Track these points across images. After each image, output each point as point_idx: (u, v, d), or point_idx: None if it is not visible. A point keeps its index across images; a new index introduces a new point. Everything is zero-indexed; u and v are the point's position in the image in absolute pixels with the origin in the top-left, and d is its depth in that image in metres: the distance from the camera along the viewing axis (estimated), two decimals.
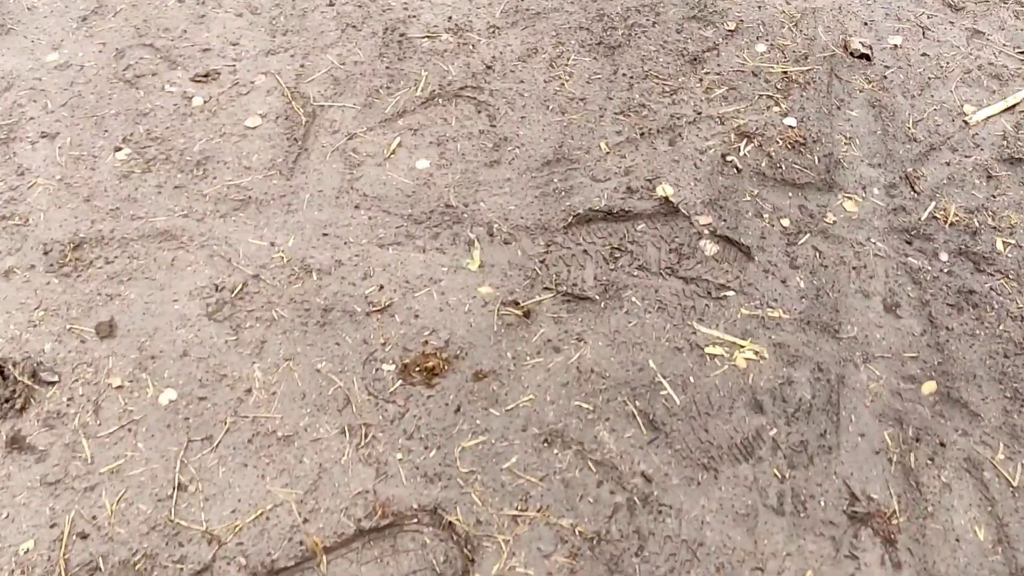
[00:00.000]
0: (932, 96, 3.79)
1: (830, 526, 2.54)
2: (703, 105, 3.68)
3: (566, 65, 3.83)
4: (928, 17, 4.17)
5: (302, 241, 3.14)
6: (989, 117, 3.71)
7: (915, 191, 3.40)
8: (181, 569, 2.40)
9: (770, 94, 3.74)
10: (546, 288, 3.04)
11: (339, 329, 2.91)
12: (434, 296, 3.00)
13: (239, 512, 2.51)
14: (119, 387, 2.75)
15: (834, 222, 3.28)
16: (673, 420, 2.74)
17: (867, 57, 3.93)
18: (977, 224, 3.30)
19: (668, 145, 3.51)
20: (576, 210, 3.26)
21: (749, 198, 3.33)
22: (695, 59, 3.89)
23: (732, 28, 4.04)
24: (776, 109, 3.67)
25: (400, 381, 2.80)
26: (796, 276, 3.11)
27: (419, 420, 2.71)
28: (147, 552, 2.42)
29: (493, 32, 3.97)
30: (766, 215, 3.28)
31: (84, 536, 2.45)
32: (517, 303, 2.99)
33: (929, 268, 3.16)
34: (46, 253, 3.09)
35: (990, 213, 3.34)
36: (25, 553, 2.41)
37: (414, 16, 4.02)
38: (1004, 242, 3.25)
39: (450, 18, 4.02)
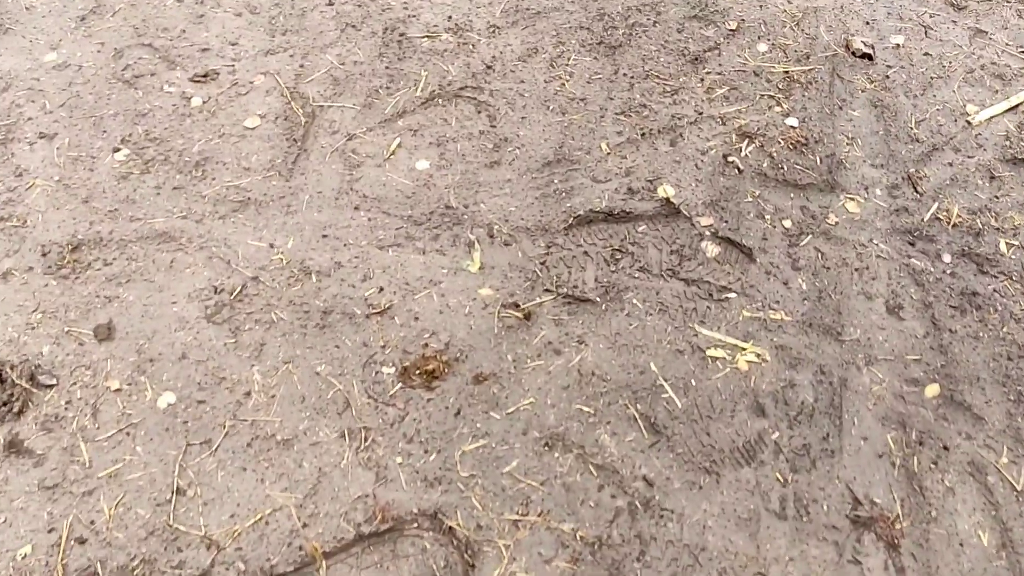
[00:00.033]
0: (935, 96, 3.77)
1: (833, 531, 2.52)
2: (704, 105, 3.66)
3: (567, 65, 3.81)
4: (930, 16, 4.15)
5: (301, 243, 3.13)
6: (992, 117, 3.69)
7: (918, 192, 3.38)
8: (180, 574, 2.39)
9: (772, 94, 3.72)
10: (547, 290, 3.02)
11: (339, 331, 2.89)
12: (434, 298, 2.99)
13: (238, 517, 2.49)
14: (117, 390, 2.74)
15: (836, 223, 3.26)
16: (675, 423, 2.72)
17: (869, 57, 3.91)
18: (980, 225, 3.29)
19: (669, 146, 3.49)
20: (577, 211, 3.25)
21: (751, 199, 3.32)
22: (696, 59, 3.87)
23: (733, 27, 4.02)
24: (778, 109, 3.65)
25: (400, 384, 2.78)
26: (798, 278, 3.09)
27: (419, 423, 2.70)
28: (145, 557, 2.41)
29: (493, 32, 3.95)
30: (768, 216, 3.26)
31: (82, 541, 2.43)
32: (517, 305, 2.98)
33: (932, 270, 3.14)
34: (44, 255, 3.07)
35: (993, 214, 3.33)
36: (23, 558, 2.40)
37: (414, 16, 4.00)
38: (1007, 243, 3.23)
39: (450, 17, 4.00)
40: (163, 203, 3.24)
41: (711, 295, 3.03)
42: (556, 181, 3.34)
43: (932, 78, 3.85)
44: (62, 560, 2.40)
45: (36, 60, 3.76)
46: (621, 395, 2.78)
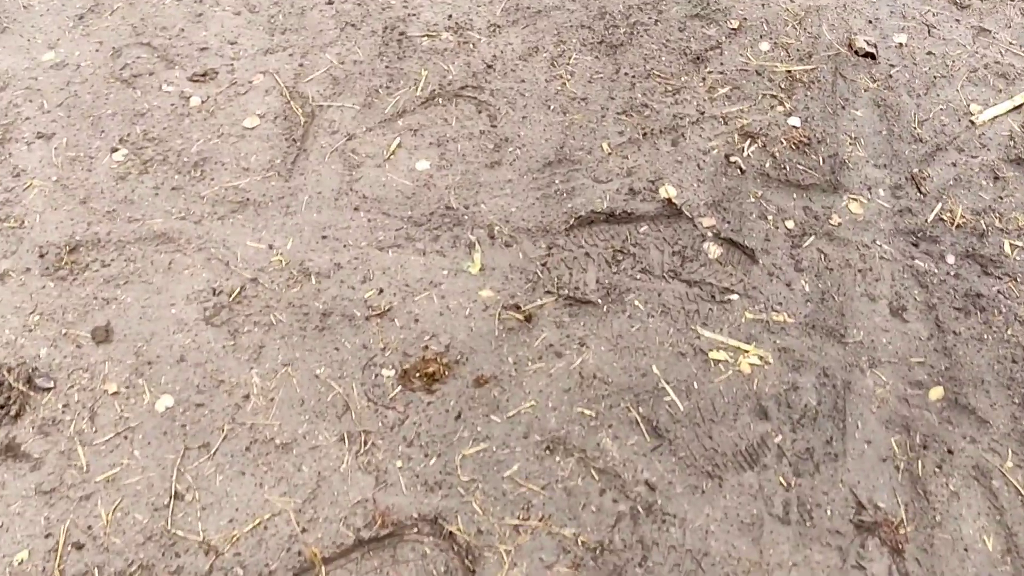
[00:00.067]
0: (938, 95, 3.75)
1: (837, 535, 2.50)
2: (706, 105, 3.63)
3: (567, 64, 3.79)
4: (934, 15, 4.12)
5: (301, 244, 3.10)
6: (996, 117, 3.66)
7: (921, 192, 3.36)
8: None
9: (774, 93, 3.70)
10: (548, 292, 3.00)
11: (338, 334, 2.87)
12: (434, 300, 2.97)
13: (236, 522, 2.47)
14: (115, 393, 2.72)
15: (839, 224, 3.24)
16: (677, 427, 2.70)
17: (872, 56, 3.88)
18: (984, 226, 3.26)
19: (671, 145, 3.47)
20: (578, 212, 3.22)
21: (753, 199, 3.29)
22: (698, 58, 3.85)
23: (735, 26, 4.00)
24: (780, 109, 3.63)
25: (400, 387, 2.76)
26: (801, 279, 3.07)
27: (419, 427, 2.68)
28: (143, 563, 2.39)
29: (494, 31, 3.92)
30: (770, 217, 3.24)
31: (79, 546, 2.41)
32: (518, 307, 2.96)
33: (936, 271, 3.12)
34: (42, 256, 3.05)
35: (997, 215, 3.30)
36: (20, 564, 2.38)
37: (414, 14, 3.98)
38: (1012, 244, 3.21)
39: (450, 16, 3.98)
40: (161, 204, 3.21)
41: (713, 297, 3.01)
42: (557, 181, 3.32)
43: (935, 77, 3.82)
44: (59, 566, 2.38)
45: (34, 59, 3.73)
46: (623, 398, 2.76)
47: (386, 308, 2.94)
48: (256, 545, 2.43)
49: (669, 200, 3.26)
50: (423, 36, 3.88)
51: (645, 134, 3.50)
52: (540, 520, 2.50)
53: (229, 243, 3.09)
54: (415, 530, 2.47)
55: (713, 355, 2.86)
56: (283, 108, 3.55)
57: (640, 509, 2.53)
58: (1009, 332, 2.97)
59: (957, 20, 4.09)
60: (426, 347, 2.85)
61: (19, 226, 3.13)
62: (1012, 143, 3.56)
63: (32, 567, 2.37)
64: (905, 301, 3.03)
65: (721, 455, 2.65)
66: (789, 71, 3.80)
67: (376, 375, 2.78)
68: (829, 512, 2.55)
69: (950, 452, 2.68)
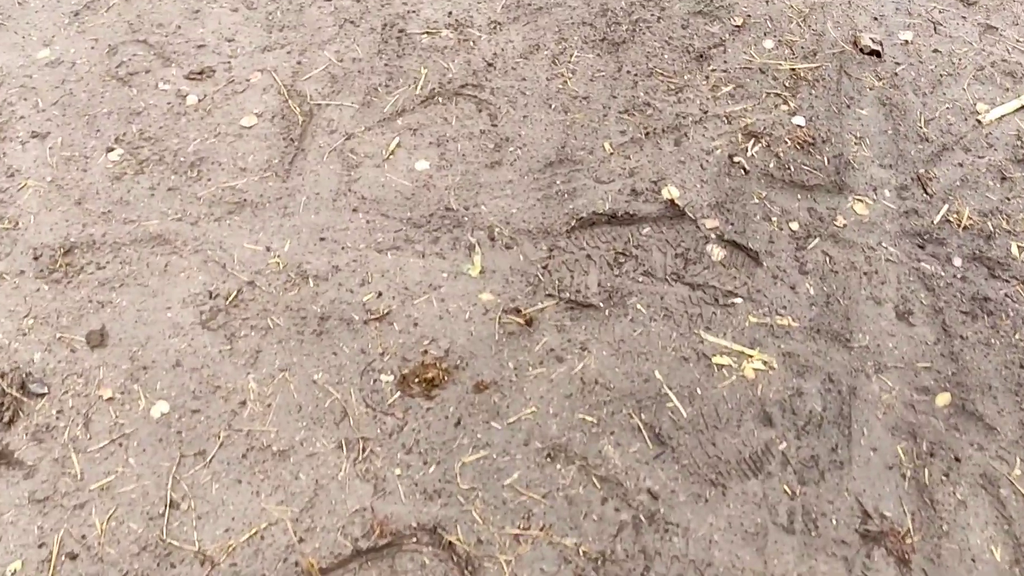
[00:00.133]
0: (944, 94, 3.70)
1: (842, 545, 2.47)
2: (709, 104, 3.59)
3: (569, 62, 3.74)
4: (940, 12, 4.07)
5: (298, 246, 3.06)
6: (1003, 116, 3.61)
7: (927, 193, 3.31)
8: None
9: (778, 92, 3.65)
10: (549, 295, 2.96)
11: (336, 338, 2.83)
12: (434, 303, 2.92)
13: (233, 531, 2.43)
14: (110, 399, 2.68)
15: (844, 225, 3.19)
16: (680, 434, 2.66)
17: (877, 53, 3.83)
18: (991, 228, 3.22)
19: (673, 145, 3.42)
20: (579, 213, 3.18)
21: (757, 200, 3.25)
22: (701, 56, 3.80)
23: (739, 23, 3.94)
24: (784, 108, 3.58)
25: (399, 392, 2.72)
26: (805, 282, 3.03)
27: (418, 434, 2.64)
28: (138, 574, 2.35)
29: (494, 28, 3.87)
30: (774, 218, 3.19)
31: (73, 556, 2.38)
32: (519, 311, 2.91)
33: (942, 274, 3.08)
34: (36, 258, 3.01)
35: (1004, 216, 3.26)
36: (13, 574, 2.34)
37: (413, 11, 3.93)
38: (1019, 247, 3.16)
39: (450, 13, 3.93)
40: (157, 205, 3.17)
41: (717, 300, 2.97)
42: (558, 182, 3.27)
43: (941, 76, 3.77)
44: None
45: (29, 56, 3.69)
46: (625, 404, 2.72)
47: (385, 312, 2.89)
48: (253, 555, 2.39)
49: (672, 201, 3.22)
50: (423, 33, 3.83)
51: (647, 133, 3.45)
52: (541, 529, 2.47)
53: (226, 245, 3.05)
54: (414, 540, 2.44)
55: (716, 360, 2.82)
56: (281, 107, 3.50)
57: (642, 518, 2.50)
58: (1017, 336, 2.93)
59: (963, 17, 4.04)
60: (425, 352, 2.81)
61: (13, 227, 3.08)
62: (1019, 143, 3.51)
63: None
64: (911, 304, 2.99)
65: (725, 463, 2.61)
66: (793, 69, 3.75)
67: (375, 380, 2.74)
68: (834, 521, 2.51)
69: (957, 460, 2.64)
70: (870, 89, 3.69)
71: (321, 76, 3.63)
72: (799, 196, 3.27)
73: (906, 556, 2.45)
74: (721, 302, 2.96)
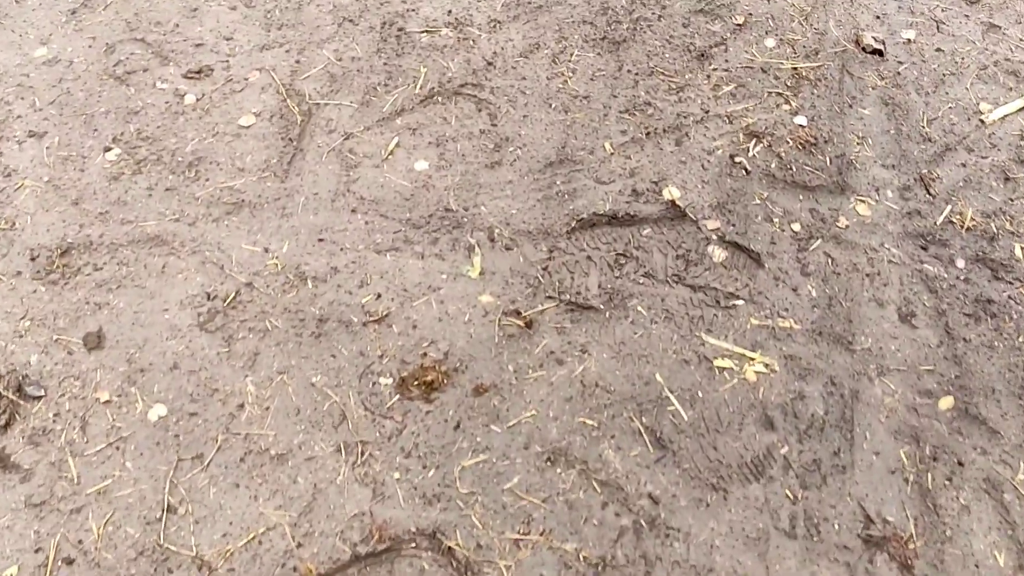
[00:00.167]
0: (947, 94, 3.67)
1: (844, 551, 2.45)
2: (710, 103, 3.56)
3: (569, 61, 3.71)
4: (942, 10, 4.04)
5: (297, 247, 3.04)
6: (1006, 116, 3.59)
7: (930, 194, 3.29)
8: None
9: (780, 91, 3.62)
10: (549, 297, 2.94)
11: (335, 340, 2.81)
12: (433, 305, 2.90)
13: (230, 536, 2.41)
14: (107, 402, 2.66)
15: (846, 227, 3.17)
16: (681, 437, 2.64)
17: (880, 52, 3.80)
18: (995, 229, 3.19)
19: (674, 145, 3.40)
20: (580, 214, 3.16)
21: (759, 201, 3.22)
22: (702, 55, 3.77)
23: (740, 22, 3.92)
24: (786, 107, 3.56)
25: (398, 396, 2.70)
26: (807, 284, 3.01)
27: (417, 437, 2.62)
28: None
29: (494, 26, 3.84)
30: (776, 219, 3.17)
31: (70, 561, 2.36)
32: (519, 313, 2.89)
33: (945, 275, 3.06)
34: (33, 259, 2.99)
35: (1008, 217, 3.23)
36: None
37: (413, 10, 3.90)
38: (1023, 248, 3.14)
39: (450, 12, 3.90)
40: (155, 205, 3.15)
41: (718, 302, 2.95)
42: (558, 182, 3.25)
43: (944, 75, 3.74)
44: None
45: (26, 55, 3.66)
46: (625, 407, 2.70)
47: (384, 314, 2.87)
48: (250, 560, 2.37)
49: (673, 202, 3.20)
50: (422, 32, 3.81)
51: (648, 133, 3.43)
52: (541, 534, 2.45)
53: (224, 246, 3.03)
54: (413, 545, 2.42)
55: (718, 363, 2.80)
56: (279, 106, 3.48)
57: (643, 523, 2.48)
58: (1020, 339, 2.91)
59: (966, 16, 4.01)
60: (424, 354, 2.79)
61: (10, 228, 3.06)
62: (1023, 143, 3.48)
63: None
64: (914, 307, 2.97)
65: (726, 467, 2.59)
66: (795, 68, 3.73)
67: (373, 383, 2.72)
68: (837, 526, 2.49)
69: (960, 464, 2.62)
70: (872, 88, 3.66)
71: (320, 75, 3.61)
72: (801, 197, 3.25)
73: (909, 562, 2.43)
74: (722, 304, 2.94)
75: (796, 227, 3.15)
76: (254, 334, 2.81)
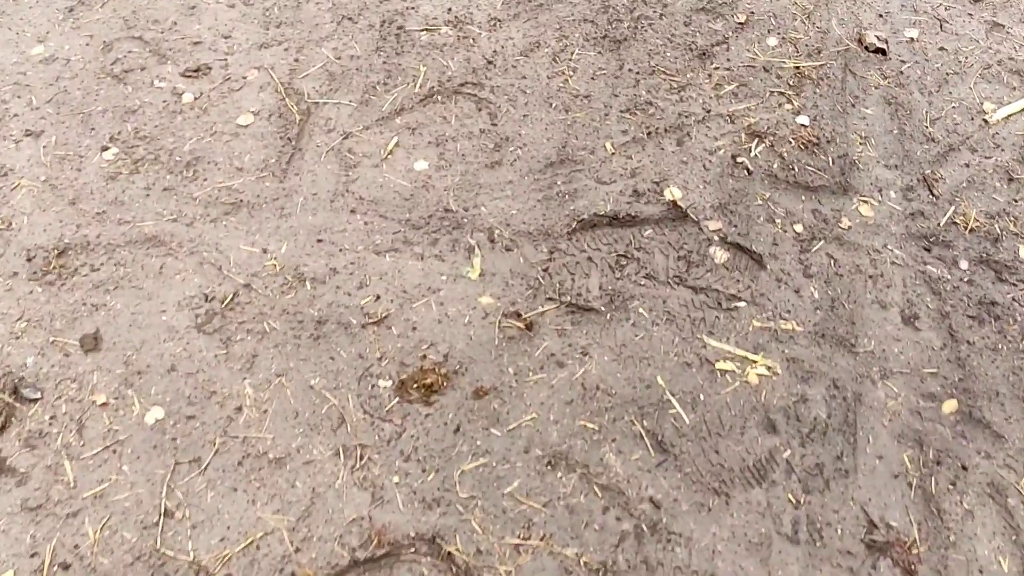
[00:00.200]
0: (950, 93, 3.65)
1: (847, 556, 2.43)
2: (712, 102, 3.54)
3: (570, 60, 3.69)
4: (946, 9, 4.01)
5: (295, 248, 3.02)
6: (1010, 116, 3.56)
7: (933, 194, 3.27)
8: None
9: (782, 90, 3.60)
10: (549, 298, 2.91)
11: (333, 343, 2.79)
12: (433, 307, 2.88)
13: (228, 541, 2.39)
14: (104, 405, 2.64)
15: (849, 227, 3.15)
16: (682, 441, 2.62)
17: (883, 51, 3.78)
18: (998, 230, 3.17)
19: (676, 145, 3.37)
20: (580, 215, 3.13)
21: (761, 202, 3.20)
22: (704, 53, 3.74)
23: (742, 20, 3.89)
24: (788, 107, 3.53)
25: (397, 398, 2.68)
26: (810, 286, 2.98)
27: (417, 441, 2.60)
28: None
29: (494, 25, 3.82)
30: (778, 220, 3.15)
31: (66, 567, 2.34)
32: (519, 314, 2.87)
33: (948, 277, 3.03)
34: (29, 260, 2.96)
35: (1012, 218, 3.21)
36: None
37: (412, 8, 3.87)
38: None
39: (450, 10, 3.87)
40: (152, 205, 3.12)
41: (720, 304, 2.92)
42: (559, 183, 3.23)
43: (948, 74, 3.72)
44: None
45: (22, 53, 3.63)
46: (627, 411, 2.68)
47: (383, 315, 2.85)
48: (248, 565, 2.35)
49: (674, 202, 3.17)
50: (422, 30, 3.78)
51: (650, 133, 3.41)
52: (541, 539, 2.43)
53: (222, 247, 3.01)
54: (412, 550, 2.40)
55: (720, 365, 2.78)
56: (278, 105, 3.45)
57: (644, 528, 2.46)
58: None
59: (970, 14, 3.99)
60: (424, 356, 2.77)
61: (6, 228, 3.04)
62: None
63: None
64: (917, 309, 2.95)
65: (728, 471, 2.57)
66: (797, 67, 3.70)
67: (372, 386, 2.70)
68: (839, 531, 2.47)
69: (964, 468, 2.60)
70: (875, 88, 3.64)
71: (319, 74, 3.58)
72: (803, 197, 3.22)
73: (912, 567, 2.41)
74: (724, 306, 2.92)
75: (798, 228, 3.13)
76: (252, 336, 2.79)
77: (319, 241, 3.03)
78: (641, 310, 2.90)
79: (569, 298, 2.92)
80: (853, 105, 3.56)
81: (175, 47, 3.67)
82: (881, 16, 3.96)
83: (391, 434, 2.60)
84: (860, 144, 3.41)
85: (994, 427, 2.69)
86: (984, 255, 3.10)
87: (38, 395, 2.65)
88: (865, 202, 3.22)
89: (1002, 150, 3.43)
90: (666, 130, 3.42)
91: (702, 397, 2.71)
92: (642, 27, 3.84)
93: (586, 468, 2.55)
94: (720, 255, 3.04)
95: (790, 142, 3.39)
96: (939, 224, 3.18)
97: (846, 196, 3.24)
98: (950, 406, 2.72)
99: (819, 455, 2.61)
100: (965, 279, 3.03)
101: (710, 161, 3.32)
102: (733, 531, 2.46)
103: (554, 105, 3.49)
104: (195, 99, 3.47)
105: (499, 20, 3.84)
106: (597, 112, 3.48)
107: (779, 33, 3.85)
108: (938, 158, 3.39)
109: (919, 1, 4.04)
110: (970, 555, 2.44)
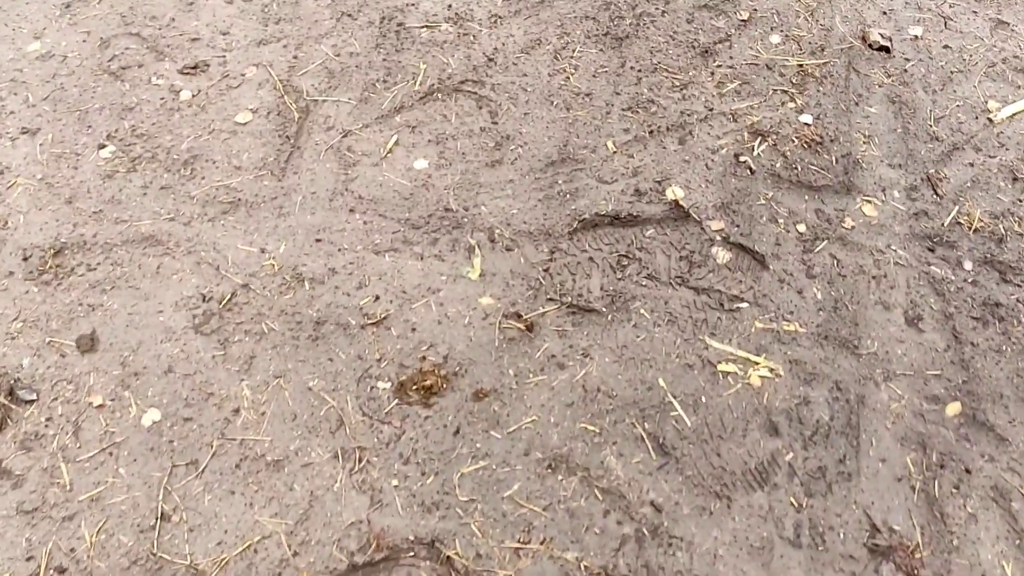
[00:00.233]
0: (955, 91, 3.62)
1: (850, 560, 2.40)
2: (715, 101, 3.51)
3: (571, 57, 3.65)
4: (950, 6, 3.98)
5: (294, 247, 2.99)
6: (1014, 114, 3.53)
7: (937, 194, 3.24)
8: None
9: (785, 89, 3.57)
10: (550, 299, 2.89)
11: (332, 344, 2.76)
12: (432, 307, 2.86)
13: (225, 544, 2.37)
14: (100, 406, 2.61)
15: (852, 228, 3.12)
16: (684, 444, 2.60)
17: (886, 49, 3.75)
18: (1003, 230, 3.14)
19: (678, 144, 3.34)
20: (582, 214, 3.10)
21: (763, 201, 3.17)
22: (706, 51, 3.71)
23: (745, 18, 3.86)
24: (791, 105, 3.50)
25: (396, 400, 2.66)
26: (813, 286, 2.96)
27: (416, 443, 2.57)
28: None
29: (495, 21, 3.78)
30: (781, 220, 3.12)
31: (62, 571, 2.32)
32: (519, 315, 2.85)
33: (952, 278, 3.01)
34: (26, 259, 2.94)
35: (1016, 218, 3.18)
36: None
37: (412, 4, 3.84)
38: None
39: (450, 6, 3.84)
40: (150, 204, 3.10)
41: (722, 305, 2.90)
42: (560, 182, 3.20)
43: (952, 72, 3.69)
44: None
45: (19, 50, 3.60)
46: (628, 413, 2.65)
47: (382, 316, 2.83)
48: (246, 569, 2.33)
49: (676, 202, 3.14)
50: (422, 27, 3.75)
51: (651, 132, 3.38)
52: (541, 543, 2.41)
53: (220, 246, 2.98)
54: (411, 554, 2.38)
55: (722, 367, 2.75)
56: (276, 103, 3.42)
57: (645, 532, 2.43)
58: None
59: (974, 12, 3.96)
60: (423, 358, 2.74)
61: (2, 227, 3.01)
62: None
63: None
64: (921, 310, 2.92)
65: (730, 474, 2.55)
66: (801, 65, 3.67)
67: (371, 388, 2.68)
68: (842, 535, 2.45)
69: (968, 471, 2.58)
70: (879, 86, 3.61)
71: (318, 71, 3.55)
72: (806, 197, 3.20)
73: (915, 571, 2.39)
74: (726, 307, 2.89)
75: (801, 228, 3.10)
76: (250, 337, 2.77)
77: (318, 241, 3.01)
78: (643, 311, 2.87)
79: (570, 299, 2.89)
80: (857, 103, 3.53)
81: (173, 44, 3.64)
82: (885, 13, 3.93)
83: (390, 436, 2.58)
84: (864, 143, 3.38)
85: (998, 430, 2.66)
86: (988, 256, 3.07)
87: (34, 396, 2.63)
88: (869, 202, 3.20)
89: (1006, 149, 3.40)
90: (668, 129, 3.39)
91: (704, 399, 2.69)
92: (644, 24, 3.81)
93: (587, 471, 2.53)
94: (722, 255, 3.02)
95: (793, 141, 3.36)
96: (943, 224, 3.16)
97: (849, 196, 3.21)
98: (954, 408, 2.70)
99: (821, 458, 2.58)
100: (969, 280, 3.01)
101: (712, 160, 3.29)
102: (735, 535, 2.44)
103: (555, 103, 3.46)
104: (193, 96, 3.44)
105: (500, 17, 3.80)
106: (599, 110, 3.45)
107: (782, 30, 3.82)
108: (942, 157, 3.36)
109: None
110: (973, 559, 2.42)
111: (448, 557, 2.36)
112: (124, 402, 2.62)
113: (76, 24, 3.71)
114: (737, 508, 2.49)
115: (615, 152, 3.30)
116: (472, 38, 3.70)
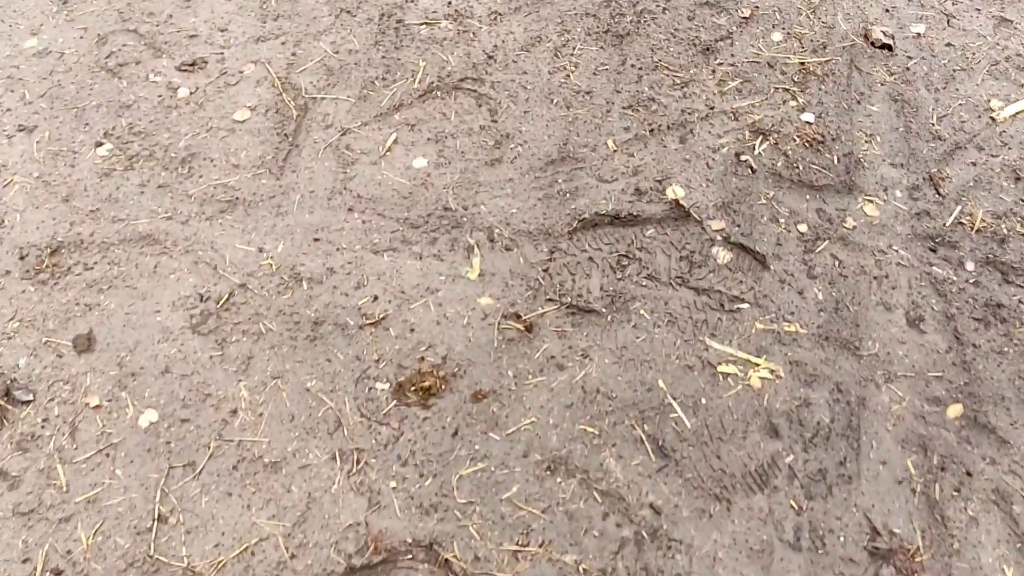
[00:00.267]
0: (957, 90, 3.59)
1: (850, 564, 2.39)
2: (716, 99, 3.49)
3: (572, 55, 3.63)
4: (953, 4, 3.96)
5: (292, 247, 2.97)
6: (1017, 113, 3.51)
7: (939, 194, 3.22)
8: None
9: (786, 87, 3.55)
10: (549, 299, 2.87)
11: (330, 344, 2.75)
12: (431, 308, 2.84)
13: (222, 547, 2.36)
14: (97, 407, 2.60)
15: (854, 227, 3.10)
16: (683, 446, 2.58)
17: (889, 47, 3.72)
18: (1005, 231, 3.12)
19: (679, 143, 3.32)
20: (581, 214, 3.09)
21: (764, 201, 3.15)
22: (707, 49, 3.69)
23: (747, 15, 3.84)
24: (793, 103, 3.48)
25: (394, 401, 2.64)
26: (814, 287, 2.94)
27: (414, 445, 2.56)
28: None
29: (495, 19, 3.76)
30: (782, 220, 3.10)
31: (58, 573, 2.31)
32: (519, 316, 2.83)
33: (954, 279, 2.99)
34: (22, 258, 2.92)
35: (1019, 218, 3.16)
36: None
37: (411, 1, 3.82)
38: None
39: (449, 3, 3.82)
40: (147, 202, 3.08)
41: (722, 305, 2.88)
42: (560, 181, 3.18)
43: (955, 70, 3.67)
44: None
45: (16, 46, 3.58)
46: (627, 414, 2.64)
47: (381, 316, 2.81)
48: (243, 572, 2.32)
49: (677, 202, 3.13)
50: (421, 24, 3.73)
51: (652, 130, 3.36)
52: (540, 546, 2.39)
53: (217, 245, 2.96)
54: (409, 556, 2.36)
55: (722, 369, 2.74)
56: (275, 100, 3.40)
57: (645, 534, 2.42)
58: None
59: (977, 9, 3.93)
60: (422, 358, 2.73)
61: None
62: None
63: None
64: (922, 311, 2.90)
65: (730, 476, 2.53)
66: (802, 63, 3.65)
67: (370, 389, 2.66)
68: (842, 538, 2.44)
69: (969, 474, 2.56)
70: (881, 84, 3.59)
71: (316, 68, 3.53)
72: (808, 196, 3.18)
73: (915, 575, 2.38)
74: (727, 307, 2.88)
75: (802, 228, 3.08)
76: (248, 337, 2.75)
77: (316, 240, 2.99)
78: (642, 311, 2.86)
79: (569, 299, 2.87)
80: (859, 102, 3.51)
81: (171, 40, 3.62)
82: (887, 11, 3.90)
83: (388, 438, 2.57)
84: (866, 142, 3.36)
85: (999, 432, 2.65)
86: (991, 256, 3.05)
87: (30, 397, 2.61)
88: (870, 201, 3.18)
89: (1009, 148, 3.38)
90: (669, 127, 3.37)
91: (704, 401, 2.67)
92: (645, 22, 3.79)
93: (586, 473, 2.52)
94: (723, 255, 3.00)
95: (795, 140, 3.34)
96: (945, 224, 3.14)
97: (851, 195, 3.20)
98: (955, 410, 2.68)
99: (822, 460, 2.57)
100: (971, 280, 2.99)
101: (713, 159, 3.27)
102: (734, 538, 2.42)
103: (555, 101, 3.44)
104: (191, 94, 3.42)
105: (499, 14, 3.78)
106: (599, 109, 3.43)
107: (784, 28, 3.80)
108: (944, 156, 3.34)
109: None
110: (974, 563, 2.40)
111: (446, 560, 2.35)
112: (121, 403, 2.61)
113: (73, 20, 3.68)
114: (737, 511, 2.47)
115: (615, 151, 3.28)
116: (472, 35, 3.68)
